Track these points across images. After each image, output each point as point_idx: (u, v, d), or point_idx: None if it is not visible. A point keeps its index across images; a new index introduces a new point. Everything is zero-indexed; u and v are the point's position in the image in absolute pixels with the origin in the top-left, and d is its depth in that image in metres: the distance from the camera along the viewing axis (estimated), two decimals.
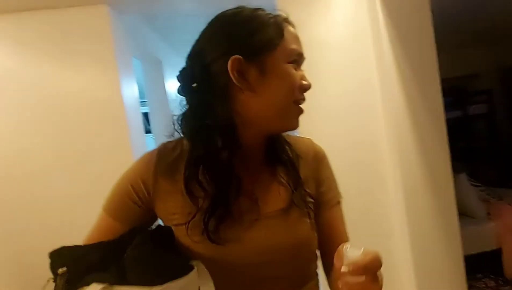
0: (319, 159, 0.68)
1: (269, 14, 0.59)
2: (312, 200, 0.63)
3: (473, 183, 2.28)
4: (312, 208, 0.63)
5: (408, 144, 1.65)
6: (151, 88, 2.76)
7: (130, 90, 1.91)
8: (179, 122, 0.59)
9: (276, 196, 0.60)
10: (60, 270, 0.48)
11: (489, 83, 3.68)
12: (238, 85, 0.54)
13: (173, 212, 0.56)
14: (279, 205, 0.59)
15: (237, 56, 0.54)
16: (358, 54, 1.75)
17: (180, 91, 0.60)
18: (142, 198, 0.58)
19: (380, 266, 0.45)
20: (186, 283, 0.47)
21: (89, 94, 1.73)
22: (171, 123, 0.60)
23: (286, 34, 0.57)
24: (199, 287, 0.49)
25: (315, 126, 1.72)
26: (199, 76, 0.56)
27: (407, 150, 1.65)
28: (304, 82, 0.58)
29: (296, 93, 0.58)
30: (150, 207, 0.58)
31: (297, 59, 0.59)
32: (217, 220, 0.54)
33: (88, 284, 0.46)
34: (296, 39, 0.59)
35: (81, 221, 1.68)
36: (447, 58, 2.20)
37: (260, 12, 0.58)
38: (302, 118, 0.61)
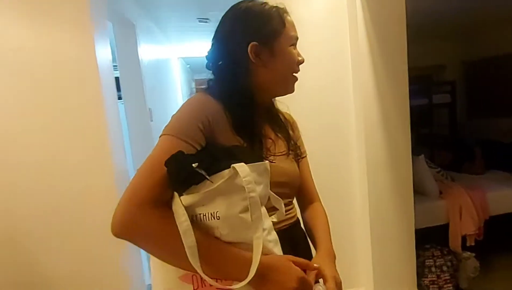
0: (295, 125, 0.98)
1: (273, 7, 0.80)
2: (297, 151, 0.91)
3: (430, 165, 2.48)
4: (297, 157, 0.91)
5: (374, 125, 1.78)
6: (123, 52, 2.65)
7: (104, 53, 1.85)
8: (208, 89, 0.78)
9: (281, 145, 0.85)
10: (194, 165, 0.60)
11: (454, 74, 3.93)
12: (255, 62, 0.77)
13: (230, 139, 0.73)
14: (282, 150, 0.84)
15: (254, 42, 0.76)
16: (334, 36, 1.84)
17: (209, 66, 0.82)
18: (207, 127, 0.69)
19: None
20: (268, 165, 0.69)
21: (62, 54, 1.67)
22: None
23: (286, 23, 0.80)
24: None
25: (290, 102, 1.83)
26: (226, 56, 0.78)
27: (373, 130, 1.78)
28: (300, 58, 0.83)
29: (295, 67, 0.82)
30: (209, 137, 0.70)
31: (295, 42, 0.82)
32: (260, 142, 0.78)
33: (227, 167, 0.61)
34: (293, 26, 0.82)
35: (54, 182, 1.72)
36: (417, 48, 2.34)
37: (266, 6, 0.80)
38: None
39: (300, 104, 1.82)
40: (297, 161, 0.90)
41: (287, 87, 0.84)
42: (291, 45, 0.81)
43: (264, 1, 0.83)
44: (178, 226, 0.60)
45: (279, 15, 0.80)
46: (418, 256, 1.96)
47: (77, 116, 1.71)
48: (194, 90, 6.38)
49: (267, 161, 0.70)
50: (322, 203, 0.97)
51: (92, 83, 1.72)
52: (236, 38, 0.77)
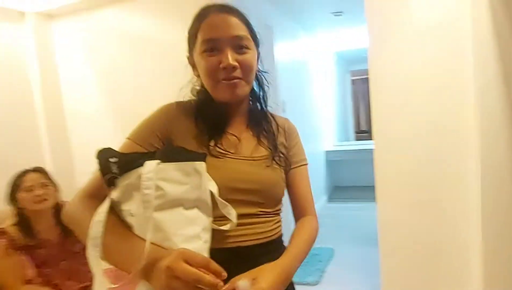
0: (290, 132, 0.89)
1: (204, 9, 0.74)
2: (283, 159, 0.82)
3: None
4: (283, 166, 0.82)
5: (495, 124, 1.45)
6: (262, 52, 3.07)
7: None
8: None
9: (260, 150, 0.78)
10: (112, 159, 0.62)
11: None
12: (193, 72, 0.79)
13: (188, 141, 0.74)
14: (261, 154, 0.78)
15: (187, 54, 0.79)
16: (453, 34, 1.59)
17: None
18: (165, 135, 0.74)
19: None
20: (202, 166, 0.66)
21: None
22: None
23: (202, 27, 0.72)
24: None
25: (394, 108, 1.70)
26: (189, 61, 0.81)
27: (494, 130, 1.45)
28: (222, 65, 0.70)
29: (216, 74, 0.71)
30: (168, 140, 0.74)
31: (211, 46, 0.71)
32: (214, 142, 0.74)
33: (140, 165, 0.60)
34: (214, 27, 0.71)
35: None
36: None
37: (198, 12, 0.75)
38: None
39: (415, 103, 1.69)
40: (286, 170, 0.83)
41: (217, 94, 0.74)
42: (205, 51, 0.72)
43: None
44: (97, 217, 0.60)
45: (199, 17, 0.74)
46: None
47: None
48: (350, 80, 6.32)
49: (198, 162, 0.65)
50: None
51: None
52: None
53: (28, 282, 1.62)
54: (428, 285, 1.82)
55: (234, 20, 0.73)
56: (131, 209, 0.62)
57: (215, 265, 0.56)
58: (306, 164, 0.88)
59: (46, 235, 1.70)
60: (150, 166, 0.59)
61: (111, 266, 0.62)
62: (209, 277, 0.53)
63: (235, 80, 0.72)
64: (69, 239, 1.76)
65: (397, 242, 1.88)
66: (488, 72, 1.52)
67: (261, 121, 0.83)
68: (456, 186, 1.67)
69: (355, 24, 3.72)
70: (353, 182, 4.93)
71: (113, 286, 0.60)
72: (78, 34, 2.42)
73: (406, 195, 1.81)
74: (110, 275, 0.62)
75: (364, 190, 4.25)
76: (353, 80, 6.36)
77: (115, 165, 0.61)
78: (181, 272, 0.52)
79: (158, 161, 0.61)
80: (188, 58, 0.80)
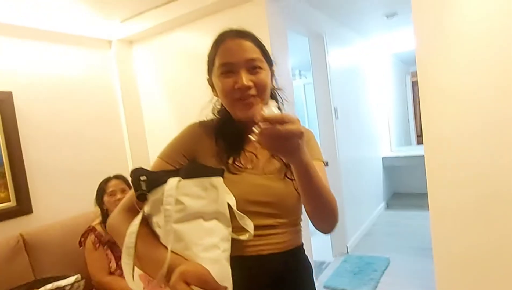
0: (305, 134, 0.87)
1: (221, 35, 0.81)
2: None
3: None
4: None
5: None
6: (315, 61, 3.11)
7: (283, 63, 2.27)
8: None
9: (273, 164, 0.82)
10: (142, 178, 0.69)
11: None
12: (213, 92, 0.86)
13: (209, 159, 0.81)
14: (272, 168, 0.81)
15: (207, 76, 0.86)
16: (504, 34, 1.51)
17: None
18: (190, 154, 0.82)
19: (298, 125, 0.56)
20: (218, 181, 0.72)
21: None
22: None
23: (219, 52, 0.79)
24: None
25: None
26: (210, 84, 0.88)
27: None
28: (237, 86, 0.76)
29: (232, 94, 0.77)
30: (192, 157, 0.82)
31: (228, 69, 0.77)
32: (233, 159, 0.80)
33: (165, 182, 0.67)
34: (229, 51, 0.78)
35: None
36: None
37: (216, 38, 0.82)
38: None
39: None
40: None
41: (235, 113, 0.80)
42: (221, 74, 0.79)
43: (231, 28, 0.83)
44: (130, 229, 0.68)
45: (217, 42, 0.81)
46: None
47: None
48: (410, 82, 6.02)
49: (215, 178, 0.71)
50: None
51: None
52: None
53: (111, 273, 1.91)
54: None
55: (248, 44, 0.79)
56: (158, 221, 0.68)
57: (211, 284, 0.61)
58: (320, 161, 0.86)
59: None
60: (172, 183, 0.67)
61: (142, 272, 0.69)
62: None
63: (251, 99, 0.77)
64: None
65: (452, 254, 1.81)
66: None
67: None
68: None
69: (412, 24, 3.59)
70: (413, 188, 4.71)
71: (141, 289, 0.68)
72: (152, 55, 2.72)
73: (460, 203, 1.75)
74: (144, 280, 0.69)
75: (424, 197, 4.02)
76: (414, 82, 6.04)
77: (144, 183, 0.69)
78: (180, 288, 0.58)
79: (179, 178, 0.68)
80: (208, 80, 0.87)
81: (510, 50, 1.53)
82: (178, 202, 0.66)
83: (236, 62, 0.77)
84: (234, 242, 0.73)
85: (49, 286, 1.66)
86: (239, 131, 0.83)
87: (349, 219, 3.36)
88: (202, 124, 0.87)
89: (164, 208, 0.65)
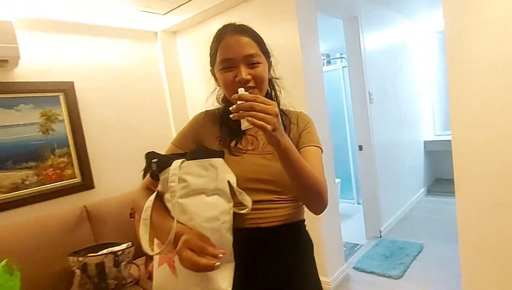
0: (300, 121, 0.97)
1: (221, 30, 0.88)
2: None
3: None
4: None
5: None
6: (349, 44, 3.09)
7: (311, 47, 2.29)
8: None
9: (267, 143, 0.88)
10: (154, 160, 0.81)
11: None
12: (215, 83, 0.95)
13: (213, 143, 0.92)
14: (270, 148, 0.86)
15: (211, 68, 0.93)
16: None
17: None
18: (197, 139, 0.94)
19: (273, 106, 0.67)
20: (217, 161, 0.81)
21: (276, 41, 2.07)
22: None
23: (220, 48, 0.86)
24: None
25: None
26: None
27: None
28: (237, 79, 0.83)
29: (233, 87, 0.83)
30: (199, 142, 0.93)
31: (228, 64, 0.84)
32: (235, 142, 0.90)
33: (170, 164, 0.78)
34: (229, 48, 0.84)
35: None
36: None
37: (217, 33, 0.90)
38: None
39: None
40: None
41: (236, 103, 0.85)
42: (222, 69, 0.85)
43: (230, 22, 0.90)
44: (146, 203, 0.79)
45: (218, 38, 0.88)
46: None
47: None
48: None
49: (214, 159, 0.81)
50: None
51: (295, 68, 2.23)
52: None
53: None
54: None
55: (245, 40, 0.85)
56: (168, 197, 0.78)
57: (209, 248, 0.70)
58: (316, 146, 0.93)
59: None
60: (176, 164, 0.77)
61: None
62: (204, 260, 0.68)
63: (250, 90, 0.84)
64: None
65: (478, 241, 1.81)
66: None
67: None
68: None
69: None
70: None
71: (154, 253, 0.79)
72: (194, 44, 2.91)
73: (487, 190, 1.73)
74: (159, 247, 0.79)
75: None
76: None
77: (155, 165, 0.80)
78: (186, 256, 0.69)
79: (183, 159, 0.78)
80: (210, 70, 0.94)
81: None
82: (181, 180, 0.76)
83: (235, 58, 0.84)
84: (236, 215, 0.82)
85: (105, 250, 1.97)
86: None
87: (383, 203, 3.37)
88: (207, 113, 0.98)
89: (169, 185, 0.76)
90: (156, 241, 0.80)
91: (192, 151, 0.86)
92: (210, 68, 0.94)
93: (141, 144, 2.75)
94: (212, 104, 1.02)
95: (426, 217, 3.70)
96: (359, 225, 3.50)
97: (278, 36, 2.27)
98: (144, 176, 0.88)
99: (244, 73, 0.83)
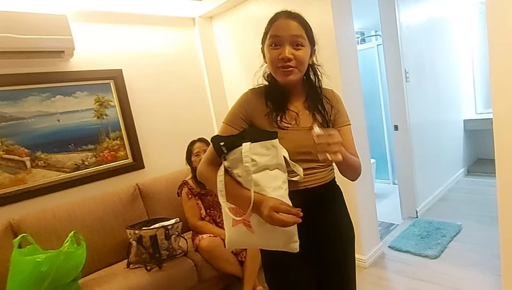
0: (336, 101, 1.14)
1: (276, 14, 1.01)
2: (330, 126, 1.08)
3: None
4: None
5: None
6: (384, 21, 3.01)
7: (345, 26, 2.27)
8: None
9: (310, 121, 1.05)
10: (221, 143, 0.98)
11: None
12: (264, 60, 1.07)
13: (262, 119, 1.04)
14: (307, 124, 1.05)
15: (262, 46, 1.06)
16: None
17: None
18: (246, 116, 1.05)
19: (338, 137, 0.84)
20: (276, 142, 0.97)
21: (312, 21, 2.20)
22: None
23: (272, 27, 0.99)
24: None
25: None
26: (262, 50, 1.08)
27: None
28: (280, 56, 0.97)
29: (277, 63, 0.98)
30: (249, 120, 1.05)
31: (276, 42, 0.98)
32: (280, 117, 1.03)
33: (239, 145, 0.95)
34: (279, 27, 0.98)
35: None
36: None
37: (275, 14, 1.02)
38: None
39: None
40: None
41: (277, 77, 1.02)
42: (271, 45, 0.98)
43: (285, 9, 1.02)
44: (218, 177, 0.99)
45: (272, 21, 1.01)
46: None
47: None
48: None
49: (274, 140, 0.96)
50: None
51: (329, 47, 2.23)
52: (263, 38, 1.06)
53: (201, 219, 2.35)
54: None
55: (294, 24, 0.98)
56: (238, 172, 0.97)
57: (292, 209, 0.91)
58: (349, 124, 1.14)
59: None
60: (246, 146, 0.94)
61: (233, 205, 1.00)
62: (291, 218, 0.89)
63: (290, 68, 0.99)
64: None
65: None
66: None
67: (314, 100, 1.09)
68: None
69: None
70: None
71: (236, 218, 0.98)
72: (229, 28, 2.97)
73: None
74: (233, 211, 1.00)
75: None
76: None
77: (224, 147, 0.98)
78: (276, 217, 0.89)
79: (249, 143, 0.94)
80: (261, 48, 1.07)
81: None
82: (251, 160, 0.94)
83: (283, 35, 0.97)
84: (290, 182, 1.01)
85: (157, 225, 2.16)
86: (283, 93, 1.06)
87: (420, 183, 3.35)
88: (253, 91, 1.08)
89: (244, 165, 0.94)
90: (228, 205, 0.99)
91: (252, 133, 1.00)
92: (261, 46, 1.06)
93: (183, 127, 2.92)
94: (258, 79, 1.13)
95: (465, 198, 3.63)
96: (394, 205, 3.51)
97: (312, 17, 2.18)
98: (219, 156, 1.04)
99: (288, 52, 0.96)
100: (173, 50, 2.92)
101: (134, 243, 2.12)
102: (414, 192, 3.30)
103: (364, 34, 4.48)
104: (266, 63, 1.06)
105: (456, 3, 4.00)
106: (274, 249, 0.99)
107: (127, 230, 2.15)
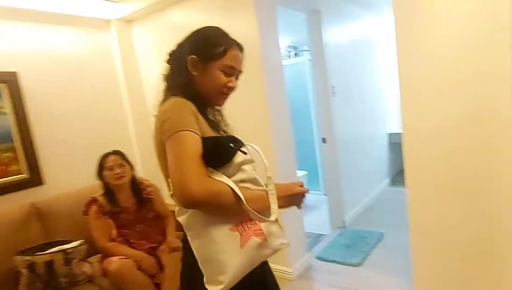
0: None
1: (228, 39, 0.99)
2: None
3: None
4: None
5: None
6: (312, 38, 3.11)
7: (271, 40, 2.28)
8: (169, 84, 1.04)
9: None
10: (231, 144, 0.89)
11: None
12: (191, 72, 0.97)
13: (208, 129, 0.95)
14: None
15: (194, 56, 0.96)
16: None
17: (168, 66, 1.05)
18: (197, 121, 0.90)
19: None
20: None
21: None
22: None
23: (229, 55, 0.97)
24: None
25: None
26: (177, 60, 1.01)
27: None
28: (229, 84, 0.99)
29: (222, 89, 0.99)
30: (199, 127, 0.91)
31: (229, 71, 0.98)
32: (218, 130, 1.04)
33: (232, 157, 0.86)
34: (236, 60, 0.99)
35: None
36: None
37: (222, 36, 1.00)
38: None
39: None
40: None
41: (214, 99, 1.01)
42: (222, 71, 0.97)
43: (225, 32, 1.01)
44: (231, 185, 0.82)
45: (227, 46, 0.98)
46: None
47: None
48: None
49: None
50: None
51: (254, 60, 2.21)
52: (185, 51, 0.98)
53: (112, 240, 2.11)
54: (460, 277, 1.82)
55: (242, 59, 1.03)
56: (243, 177, 0.88)
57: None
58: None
59: (125, 204, 2.15)
60: (248, 156, 0.91)
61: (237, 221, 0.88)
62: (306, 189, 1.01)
63: (230, 93, 1.03)
64: (144, 208, 2.20)
65: (426, 228, 1.90)
66: None
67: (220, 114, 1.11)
68: (489, 174, 1.62)
69: None
70: None
71: (272, 219, 0.91)
72: (151, 33, 2.82)
73: (435, 182, 1.80)
74: (237, 230, 0.87)
75: None
76: None
77: (236, 148, 0.89)
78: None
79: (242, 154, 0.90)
80: (196, 59, 0.96)
81: (494, 41, 1.51)
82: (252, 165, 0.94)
83: (237, 68, 1.01)
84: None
85: (54, 249, 1.88)
86: (205, 108, 1.03)
87: (347, 194, 3.44)
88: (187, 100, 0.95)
89: (254, 171, 0.94)
90: (227, 228, 0.86)
91: (235, 141, 0.93)
92: (195, 57, 0.97)
93: (94, 138, 2.65)
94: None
95: (388, 207, 3.82)
96: (324, 216, 3.56)
97: (237, 29, 2.20)
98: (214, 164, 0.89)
99: (236, 83, 1.02)
100: (83, 53, 2.67)
101: (24, 271, 1.82)
102: (342, 202, 3.38)
103: (297, 48, 4.61)
104: (195, 72, 0.98)
105: (380, 25, 4.30)
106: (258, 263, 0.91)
107: (16, 257, 1.84)
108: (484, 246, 1.72)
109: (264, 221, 0.88)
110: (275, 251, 0.94)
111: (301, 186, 1.00)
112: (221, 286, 0.82)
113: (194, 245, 0.87)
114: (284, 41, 4.22)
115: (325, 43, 3.08)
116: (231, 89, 1.01)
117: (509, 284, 1.66)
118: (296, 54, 4.51)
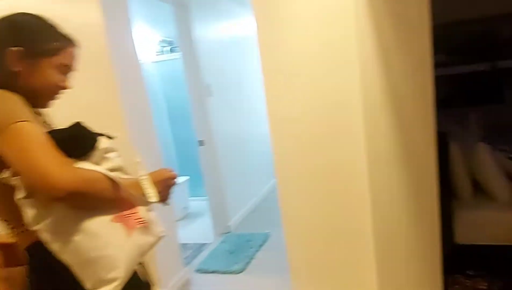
0: None
1: (62, 35, 0.89)
2: None
3: (503, 149, 1.71)
4: None
5: (376, 101, 1.38)
6: (181, 33, 2.87)
7: (122, 32, 2.00)
8: None
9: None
10: (90, 130, 0.84)
11: None
12: (13, 64, 0.83)
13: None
14: None
15: (21, 48, 0.81)
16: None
17: None
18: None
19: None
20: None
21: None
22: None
23: (65, 51, 0.89)
24: None
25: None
26: None
27: (375, 111, 1.39)
28: (63, 84, 0.90)
29: (55, 89, 0.90)
30: None
31: (64, 69, 0.90)
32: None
33: (92, 146, 0.80)
34: (71, 57, 0.91)
35: None
36: None
37: (53, 28, 0.88)
38: None
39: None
40: None
41: (43, 101, 0.91)
42: (56, 69, 0.87)
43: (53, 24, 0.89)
44: (103, 172, 0.77)
45: (63, 44, 0.89)
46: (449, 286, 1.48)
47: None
48: None
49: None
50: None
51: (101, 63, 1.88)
52: (2, 42, 0.84)
53: None
54: (330, 273, 1.82)
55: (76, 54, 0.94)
56: (108, 166, 0.82)
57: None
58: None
59: None
60: (110, 143, 0.86)
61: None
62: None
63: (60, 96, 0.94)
64: None
65: (299, 226, 1.91)
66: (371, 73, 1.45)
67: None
68: (343, 162, 1.64)
69: None
70: None
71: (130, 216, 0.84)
72: None
73: (301, 172, 1.80)
74: (118, 220, 0.81)
75: None
76: None
77: (90, 143, 0.81)
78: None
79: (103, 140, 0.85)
80: (21, 51, 0.82)
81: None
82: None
83: (72, 69, 0.93)
84: None
85: None
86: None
87: (230, 198, 3.30)
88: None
89: (117, 159, 0.88)
90: (108, 219, 0.79)
91: (90, 130, 0.85)
92: (21, 48, 0.83)
93: None
94: None
95: (275, 206, 3.79)
96: (208, 223, 3.34)
97: (77, 18, 1.84)
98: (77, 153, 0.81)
99: (70, 82, 0.93)
100: None
101: None
102: (225, 207, 3.22)
103: (172, 43, 4.29)
104: (19, 67, 0.83)
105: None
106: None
107: None
108: (346, 234, 1.73)
109: (148, 204, 0.87)
110: (159, 239, 0.91)
111: (170, 171, 0.99)
112: (116, 283, 0.76)
113: (66, 251, 0.76)
114: (156, 35, 3.88)
115: (196, 40, 2.88)
116: (64, 89, 0.93)
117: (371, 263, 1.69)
118: (172, 50, 4.19)
